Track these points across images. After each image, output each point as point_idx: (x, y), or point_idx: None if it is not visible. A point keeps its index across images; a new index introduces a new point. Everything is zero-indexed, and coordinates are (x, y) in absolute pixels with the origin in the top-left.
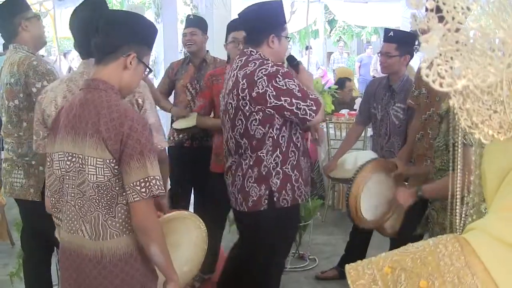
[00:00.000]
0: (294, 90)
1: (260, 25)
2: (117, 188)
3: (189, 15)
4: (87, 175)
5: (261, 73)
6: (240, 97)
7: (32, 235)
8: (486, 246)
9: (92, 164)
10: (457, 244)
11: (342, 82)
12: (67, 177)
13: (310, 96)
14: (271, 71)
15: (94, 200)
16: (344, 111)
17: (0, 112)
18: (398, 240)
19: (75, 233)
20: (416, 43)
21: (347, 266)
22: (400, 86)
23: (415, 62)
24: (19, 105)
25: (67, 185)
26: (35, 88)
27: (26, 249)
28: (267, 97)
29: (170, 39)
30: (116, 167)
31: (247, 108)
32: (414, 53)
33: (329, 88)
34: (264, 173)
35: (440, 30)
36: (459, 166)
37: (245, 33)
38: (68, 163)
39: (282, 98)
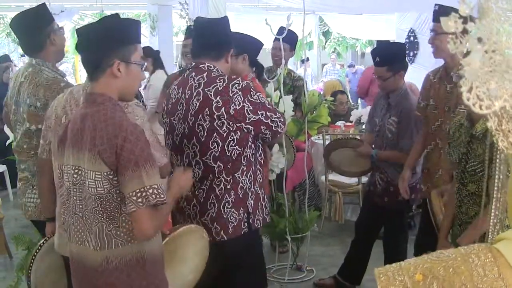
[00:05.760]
0: (265, 103)
1: (224, 40)
2: (118, 199)
3: (190, 26)
4: (88, 188)
5: (235, 88)
6: (215, 116)
7: None
8: None
9: (91, 177)
10: (489, 254)
11: (334, 95)
12: (74, 190)
13: (277, 108)
14: (243, 85)
15: (97, 212)
16: (340, 123)
17: (14, 127)
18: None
19: (82, 244)
20: (412, 54)
21: (376, 271)
22: (396, 100)
23: None
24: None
25: (74, 197)
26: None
27: None
28: (245, 113)
29: (166, 52)
30: (115, 178)
31: (224, 128)
32: (409, 64)
33: (325, 100)
34: (241, 195)
35: (479, 52)
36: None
37: (200, 46)
38: (75, 176)
39: (259, 112)
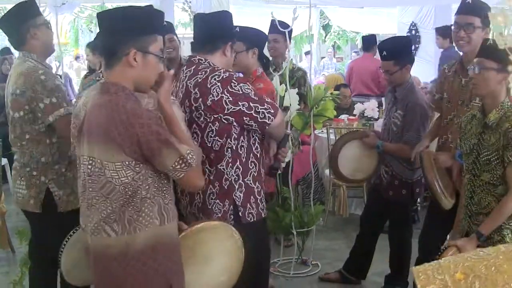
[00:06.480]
0: (250, 94)
1: (220, 32)
2: (140, 183)
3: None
4: (111, 179)
5: (214, 79)
6: (193, 108)
7: (36, 246)
8: None
9: (112, 168)
10: None
11: (337, 88)
12: (89, 181)
13: (267, 100)
14: (224, 76)
15: (120, 200)
16: (343, 117)
17: (8, 119)
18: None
19: (99, 234)
20: (413, 47)
21: (415, 270)
22: (402, 94)
23: None
24: (24, 117)
25: (90, 189)
26: (42, 104)
27: (33, 259)
28: (224, 104)
29: None
30: (137, 165)
31: (201, 119)
32: (414, 56)
33: (331, 93)
34: (226, 187)
35: None
36: None
37: (196, 40)
38: (90, 167)
39: (240, 103)
